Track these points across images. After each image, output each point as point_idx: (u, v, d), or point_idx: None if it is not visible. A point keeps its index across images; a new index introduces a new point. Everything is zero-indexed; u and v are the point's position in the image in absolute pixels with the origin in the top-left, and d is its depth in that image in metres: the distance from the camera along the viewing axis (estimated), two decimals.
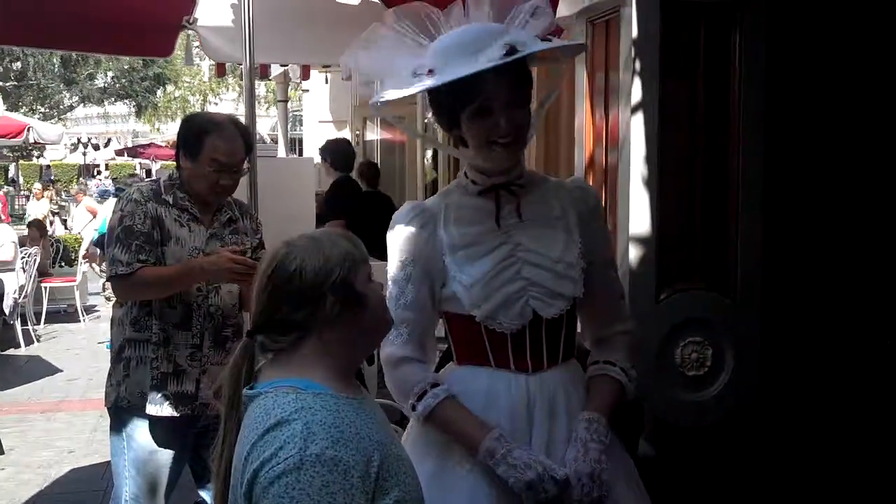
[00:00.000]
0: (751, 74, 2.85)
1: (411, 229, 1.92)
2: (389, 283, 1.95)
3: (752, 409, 2.81)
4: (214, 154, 2.90)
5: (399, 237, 1.94)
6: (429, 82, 1.79)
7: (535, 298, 1.87)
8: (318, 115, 10.52)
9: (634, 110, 2.86)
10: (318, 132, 10.63)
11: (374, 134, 9.19)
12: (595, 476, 1.78)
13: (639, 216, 2.83)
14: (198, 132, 2.93)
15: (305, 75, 8.09)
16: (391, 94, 1.85)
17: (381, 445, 1.50)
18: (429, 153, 7.37)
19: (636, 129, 2.86)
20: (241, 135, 2.99)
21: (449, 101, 1.83)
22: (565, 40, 1.90)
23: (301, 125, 14.53)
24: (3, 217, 18.90)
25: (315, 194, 9.62)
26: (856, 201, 2.98)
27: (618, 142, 3.09)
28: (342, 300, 1.56)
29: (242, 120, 3.28)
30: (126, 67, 25.27)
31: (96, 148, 29.17)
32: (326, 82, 9.31)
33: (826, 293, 2.96)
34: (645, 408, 2.53)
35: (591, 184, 3.61)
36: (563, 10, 3.66)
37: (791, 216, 2.94)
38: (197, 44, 5.20)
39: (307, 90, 10.54)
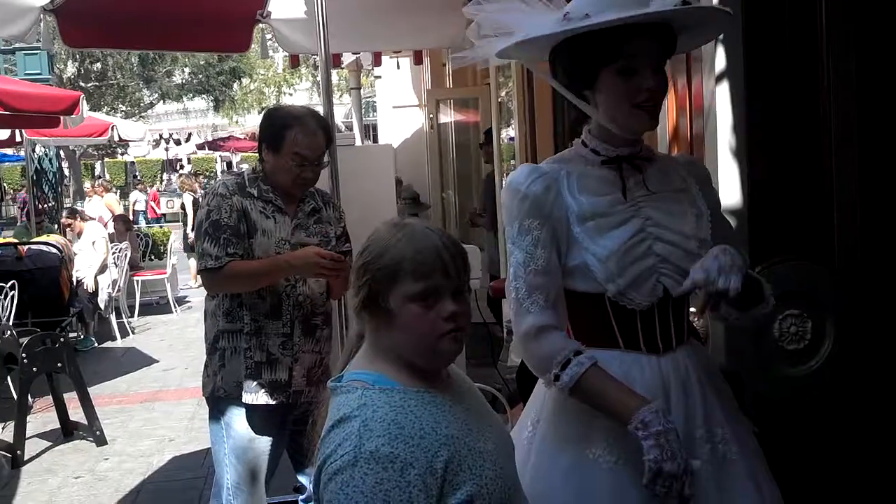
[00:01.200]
0: (839, 35, 2.74)
1: (535, 191, 1.80)
2: (512, 248, 1.83)
3: (855, 382, 2.72)
4: (296, 148, 2.95)
5: (521, 199, 1.81)
6: (589, 21, 1.69)
7: (665, 276, 1.79)
8: (392, 100, 10.54)
9: (719, 79, 2.78)
10: (391, 117, 10.66)
11: (447, 116, 9.17)
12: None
13: (729, 187, 2.76)
14: (279, 126, 2.98)
15: (377, 62, 8.13)
16: (535, 33, 1.75)
17: (451, 440, 1.48)
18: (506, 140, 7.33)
19: (721, 98, 2.77)
20: (322, 127, 3.03)
21: (592, 54, 1.74)
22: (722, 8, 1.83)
23: (374, 111, 14.61)
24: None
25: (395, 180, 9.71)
26: None
27: (703, 111, 3.00)
28: (367, 303, 1.55)
29: (320, 111, 3.32)
30: (202, 63, 25.72)
31: (178, 143, 29.94)
32: (398, 68, 9.32)
33: None
34: (745, 384, 2.48)
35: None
36: None
37: (891, 180, 2.83)
38: (270, 36, 5.26)
39: (379, 76, 10.58)
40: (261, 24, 4.83)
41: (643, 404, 1.67)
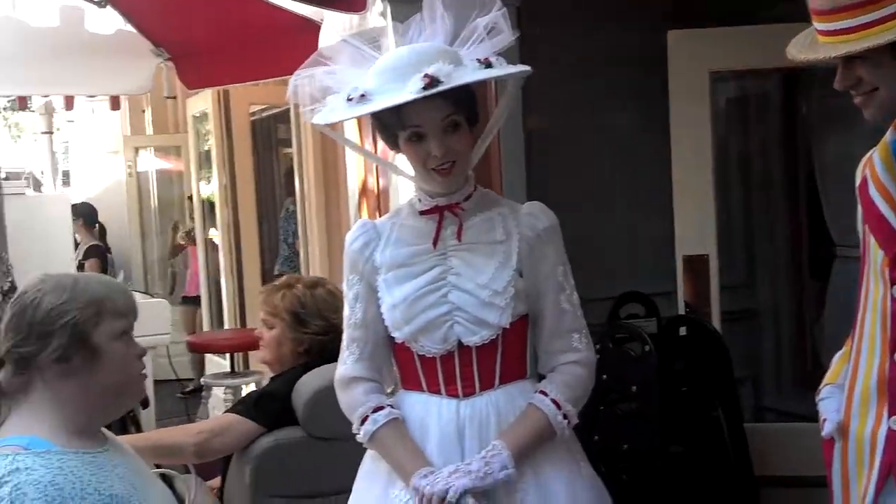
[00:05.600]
0: None
1: (354, 248, 1.93)
2: (344, 301, 1.97)
3: None
4: None
5: (347, 255, 1.95)
6: (358, 110, 1.78)
7: (459, 324, 1.83)
8: (88, 145, 9.98)
9: None
10: (88, 163, 10.08)
11: (148, 164, 8.83)
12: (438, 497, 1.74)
13: None
14: None
15: (69, 105, 7.66)
16: (328, 118, 1.83)
17: (116, 500, 1.46)
18: (209, 194, 7.14)
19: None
20: None
21: (384, 123, 1.84)
22: (505, 68, 1.79)
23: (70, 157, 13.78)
24: None
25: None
26: None
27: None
28: (69, 346, 1.50)
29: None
30: None
31: None
32: (93, 112, 8.85)
33: None
34: None
35: (366, 207, 3.66)
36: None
37: None
38: None
39: (72, 121, 9.97)
40: None
41: (416, 469, 1.80)
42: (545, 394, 1.85)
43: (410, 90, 1.72)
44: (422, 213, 1.89)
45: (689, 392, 3.10)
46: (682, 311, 3.49)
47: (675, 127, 3.45)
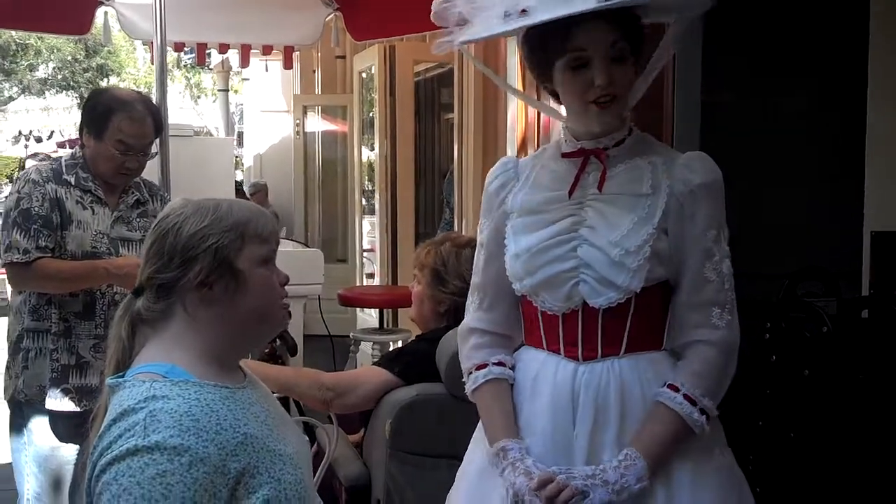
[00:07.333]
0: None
1: (490, 189, 1.80)
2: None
3: None
4: (120, 135, 2.77)
5: (484, 196, 1.82)
6: (517, 23, 1.59)
7: (584, 283, 1.65)
8: (260, 104, 10.30)
9: None
10: (259, 122, 10.41)
11: (315, 124, 9.01)
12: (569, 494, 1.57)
13: None
14: (104, 110, 2.79)
15: (245, 61, 7.88)
16: (475, 34, 1.67)
17: (251, 439, 1.39)
18: (370, 154, 7.21)
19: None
20: (151, 115, 2.85)
21: (541, 49, 1.65)
22: None
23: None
24: None
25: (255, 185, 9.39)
26: None
27: (549, 134, 3.02)
28: (211, 271, 1.45)
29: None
30: (68, 58, 24.72)
31: (38, 140, 28.48)
32: (267, 70, 9.11)
33: None
34: None
35: None
36: None
37: None
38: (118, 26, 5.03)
39: (247, 79, 10.30)
40: (105, 8, 4.61)
41: (501, 440, 1.70)
42: (676, 389, 1.63)
43: (588, 2, 1.51)
44: (564, 155, 1.71)
45: (866, 380, 2.80)
46: (865, 292, 3.17)
47: (873, 84, 3.10)
